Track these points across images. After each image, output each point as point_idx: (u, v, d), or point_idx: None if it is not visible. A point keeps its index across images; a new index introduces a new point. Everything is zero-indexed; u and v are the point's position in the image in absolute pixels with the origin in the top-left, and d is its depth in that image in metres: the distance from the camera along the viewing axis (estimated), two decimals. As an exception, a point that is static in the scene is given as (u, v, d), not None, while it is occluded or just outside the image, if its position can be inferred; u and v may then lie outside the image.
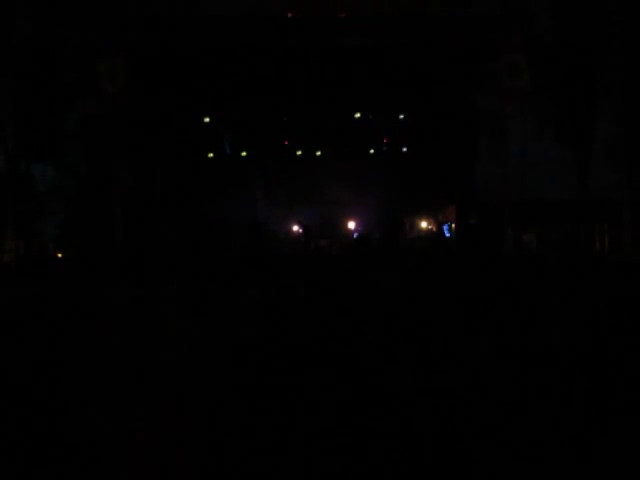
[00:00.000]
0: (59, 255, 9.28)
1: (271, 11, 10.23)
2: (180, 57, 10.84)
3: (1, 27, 10.36)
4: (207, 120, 13.61)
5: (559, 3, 11.02)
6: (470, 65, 12.08)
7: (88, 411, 1.96)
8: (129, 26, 9.70)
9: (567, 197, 13.04)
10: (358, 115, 14.01)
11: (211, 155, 15.11)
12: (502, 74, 10.40)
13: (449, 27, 10.78)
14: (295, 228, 14.03)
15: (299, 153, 15.54)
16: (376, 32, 10.74)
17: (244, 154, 15.12)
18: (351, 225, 14.98)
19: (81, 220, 10.40)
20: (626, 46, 9.97)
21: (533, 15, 10.88)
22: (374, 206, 15.82)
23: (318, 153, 15.57)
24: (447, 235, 13.43)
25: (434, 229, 14.07)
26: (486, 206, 12.62)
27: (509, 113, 11.99)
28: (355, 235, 14.64)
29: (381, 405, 2.04)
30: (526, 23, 10.48)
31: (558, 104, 12.81)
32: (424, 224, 14.29)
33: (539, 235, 11.71)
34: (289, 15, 10.40)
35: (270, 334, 2.84)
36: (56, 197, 11.13)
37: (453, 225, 13.33)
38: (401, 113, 14.13)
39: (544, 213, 11.82)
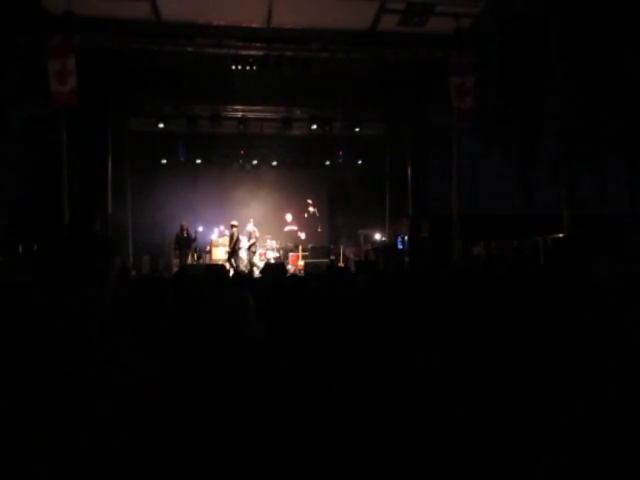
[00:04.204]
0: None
1: (235, 20, 10.27)
2: (134, 60, 10.70)
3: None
4: (161, 126, 13.44)
5: (505, 28, 11.55)
6: (423, 82, 12.46)
7: None
8: (80, 26, 9.51)
9: (514, 212, 13.56)
10: (314, 127, 14.18)
11: (164, 161, 14.94)
12: (452, 93, 10.76)
13: (403, 44, 11.11)
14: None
15: (255, 162, 15.57)
16: (331, 46, 10.94)
17: (199, 161, 15.01)
18: (302, 237, 14.95)
19: (24, 222, 10.00)
20: (567, 70, 10.53)
21: (483, 37, 11.33)
22: (328, 218, 15.95)
23: (274, 163, 15.64)
24: (400, 247, 13.66)
25: (388, 241, 14.28)
26: (438, 219, 12.94)
27: (460, 130, 12.37)
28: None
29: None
30: (476, 44, 10.91)
31: (505, 123, 13.34)
32: (378, 236, 14.50)
33: (487, 248, 12.08)
34: (251, 25, 10.46)
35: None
36: (-2, 199, 10.68)
37: (406, 237, 13.59)
38: (357, 127, 14.40)
39: (492, 227, 12.24)
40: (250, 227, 13.10)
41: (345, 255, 14.23)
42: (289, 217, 14.84)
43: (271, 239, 14.38)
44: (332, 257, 14.31)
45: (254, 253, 13.07)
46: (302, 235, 14.64)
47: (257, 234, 13.09)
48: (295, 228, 14.69)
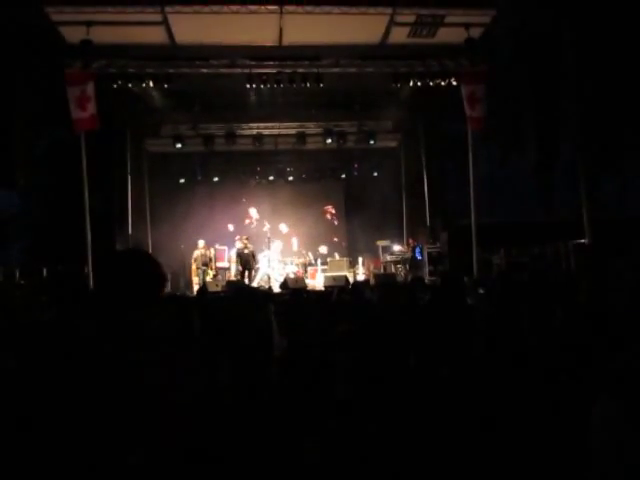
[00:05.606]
0: (22, 282, 9.07)
1: (247, 40, 10.45)
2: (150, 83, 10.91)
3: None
4: (178, 146, 13.65)
5: (517, 34, 11.53)
6: (436, 91, 12.46)
7: None
8: (98, 53, 9.76)
9: (533, 218, 13.42)
10: (329, 141, 14.26)
11: (182, 181, 15.15)
12: (464, 101, 10.75)
13: (415, 55, 11.18)
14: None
15: (271, 178, 15.69)
16: (343, 61, 11.05)
17: (216, 179, 15.18)
18: (322, 250, 14.94)
19: (47, 246, 10.22)
20: (582, 73, 10.45)
21: (495, 44, 11.33)
22: (346, 230, 15.96)
23: (290, 178, 15.73)
24: (419, 258, 13.58)
25: (408, 252, 14.20)
26: (456, 228, 12.86)
27: (475, 138, 12.32)
28: None
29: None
30: (487, 53, 10.90)
31: (522, 129, 13.25)
32: (397, 247, 14.43)
33: (508, 257, 11.92)
34: (263, 44, 10.62)
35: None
36: (22, 224, 10.92)
37: (425, 248, 13.52)
38: (371, 139, 14.43)
39: (511, 234, 12.10)
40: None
41: (365, 268, 14.20)
42: (284, 228, 14.72)
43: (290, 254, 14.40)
44: (351, 270, 14.28)
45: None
46: (295, 244, 14.54)
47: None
48: (295, 241, 14.60)
